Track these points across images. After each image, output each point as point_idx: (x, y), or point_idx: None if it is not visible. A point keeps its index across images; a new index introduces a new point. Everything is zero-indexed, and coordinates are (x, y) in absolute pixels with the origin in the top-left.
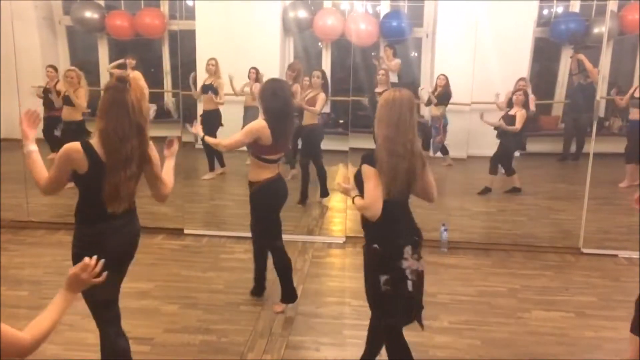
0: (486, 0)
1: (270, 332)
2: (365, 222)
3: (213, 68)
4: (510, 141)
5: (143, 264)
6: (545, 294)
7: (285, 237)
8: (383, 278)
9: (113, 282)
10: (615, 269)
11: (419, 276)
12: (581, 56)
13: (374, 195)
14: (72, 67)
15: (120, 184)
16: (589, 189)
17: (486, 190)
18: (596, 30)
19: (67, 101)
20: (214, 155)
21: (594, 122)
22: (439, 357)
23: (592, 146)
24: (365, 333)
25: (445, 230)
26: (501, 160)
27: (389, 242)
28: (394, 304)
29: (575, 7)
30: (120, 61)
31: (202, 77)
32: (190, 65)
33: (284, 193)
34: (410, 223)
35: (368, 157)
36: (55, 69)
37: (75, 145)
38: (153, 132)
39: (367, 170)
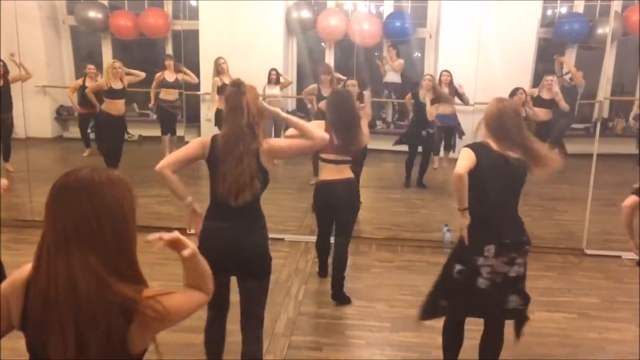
0: (490, 0)
1: (273, 332)
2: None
3: (225, 66)
4: None
5: (145, 263)
6: (548, 295)
7: (287, 236)
8: (457, 267)
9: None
10: (619, 270)
11: (506, 278)
12: (564, 59)
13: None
14: (116, 60)
15: (230, 174)
16: (593, 190)
17: None
18: (600, 30)
19: (120, 95)
20: None
21: (598, 123)
22: (442, 358)
23: (595, 147)
24: (368, 333)
25: (449, 230)
26: None
27: (471, 236)
28: (461, 295)
29: (579, 7)
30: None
31: (206, 76)
32: (194, 65)
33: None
34: (507, 225)
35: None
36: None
37: (202, 139)
38: (156, 131)
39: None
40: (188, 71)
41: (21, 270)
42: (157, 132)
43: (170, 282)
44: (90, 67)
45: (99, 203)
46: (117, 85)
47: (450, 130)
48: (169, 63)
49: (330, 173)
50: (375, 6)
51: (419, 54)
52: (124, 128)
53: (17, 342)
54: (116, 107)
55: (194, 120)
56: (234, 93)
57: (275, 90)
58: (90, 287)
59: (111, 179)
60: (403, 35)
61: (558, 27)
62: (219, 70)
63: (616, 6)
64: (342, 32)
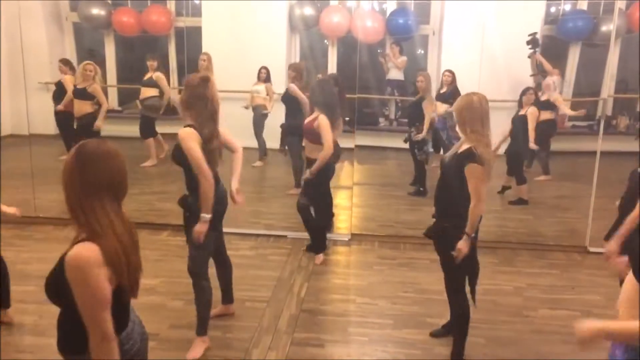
0: None
1: (275, 329)
2: (450, 198)
3: (205, 63)
4: (516, 146)
5: (149, 260)
6: (552, 292)
7: (291, 234)
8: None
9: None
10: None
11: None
12: (539, 57)
13: (483, 193)
14: (90, 62)
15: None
16: (596, 188)
17: (504, 189)
18: (604, 28)
19: (79, 94)
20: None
21: (602, 121)
22: (444, 355)
23: (599, 145)
24: (370, 330)
25: None
26: (510, 165)
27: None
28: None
29: (583, 5)
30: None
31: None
32: (197, 62)
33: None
34: None
35: (473, 156)
36: (65, 63)
37: (189, 129)
38: (159, 128)
39: (477, 170)
40: None
41: (83, 251)
42: (159, 129)
43: (172, 278)
44: (61, 66)
45: (116, 166)
46: (82, 86)
47: (437, 132)
48: (151, 64)
49: (313, 152)
50: (378, 3)
51: (422, 51)
52: (88, 130)
53: (17, 338)
54: (79, 105)
55: None
56: (201, 85)
57: (260, 87)
58: (125, 227)
59: (116, 150)
60: (406, 32)
61: (562, 25)
62: (199, 65)
63: (620, 4)
64: (345, 29)
